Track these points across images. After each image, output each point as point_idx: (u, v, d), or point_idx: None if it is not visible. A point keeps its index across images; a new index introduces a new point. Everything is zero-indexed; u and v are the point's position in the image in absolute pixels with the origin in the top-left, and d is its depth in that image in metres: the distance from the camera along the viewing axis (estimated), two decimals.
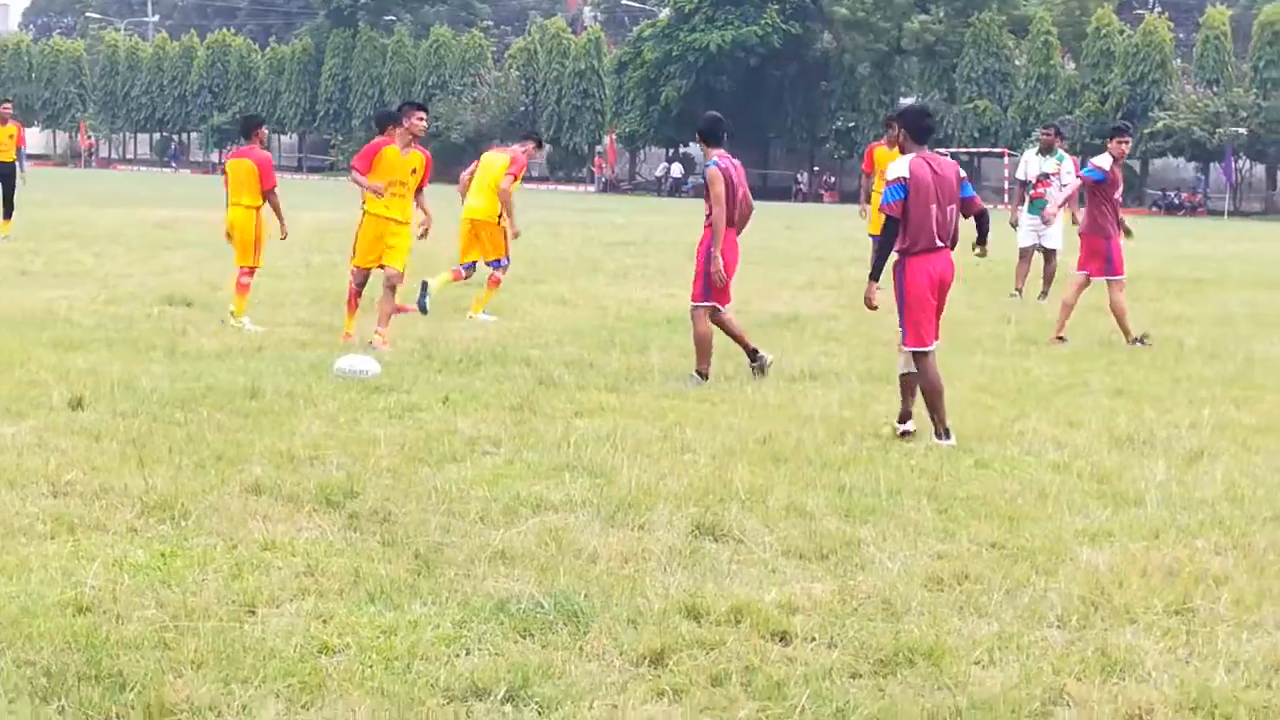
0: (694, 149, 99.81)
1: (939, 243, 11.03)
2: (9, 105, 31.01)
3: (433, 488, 8.81)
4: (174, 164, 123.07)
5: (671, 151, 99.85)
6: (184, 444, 9.81)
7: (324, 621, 6.40)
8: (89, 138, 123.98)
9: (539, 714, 5.51)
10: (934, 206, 10.95)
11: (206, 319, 17.00)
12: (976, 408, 12.44)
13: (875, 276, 11.43)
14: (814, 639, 6.38)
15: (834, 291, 23.08)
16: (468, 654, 6.07)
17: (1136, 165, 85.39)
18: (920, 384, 11.17)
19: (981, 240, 11.81)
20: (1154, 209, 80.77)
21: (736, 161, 14.17)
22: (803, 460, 10.01)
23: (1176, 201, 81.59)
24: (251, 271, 17.61)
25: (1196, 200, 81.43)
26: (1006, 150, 79.11)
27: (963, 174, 11.43)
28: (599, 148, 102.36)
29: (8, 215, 29.17)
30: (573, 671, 5.89)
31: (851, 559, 7.68)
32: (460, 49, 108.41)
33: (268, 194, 18.25)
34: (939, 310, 11.32)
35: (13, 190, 29.26)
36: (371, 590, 6.84)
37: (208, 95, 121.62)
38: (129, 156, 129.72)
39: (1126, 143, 17.84)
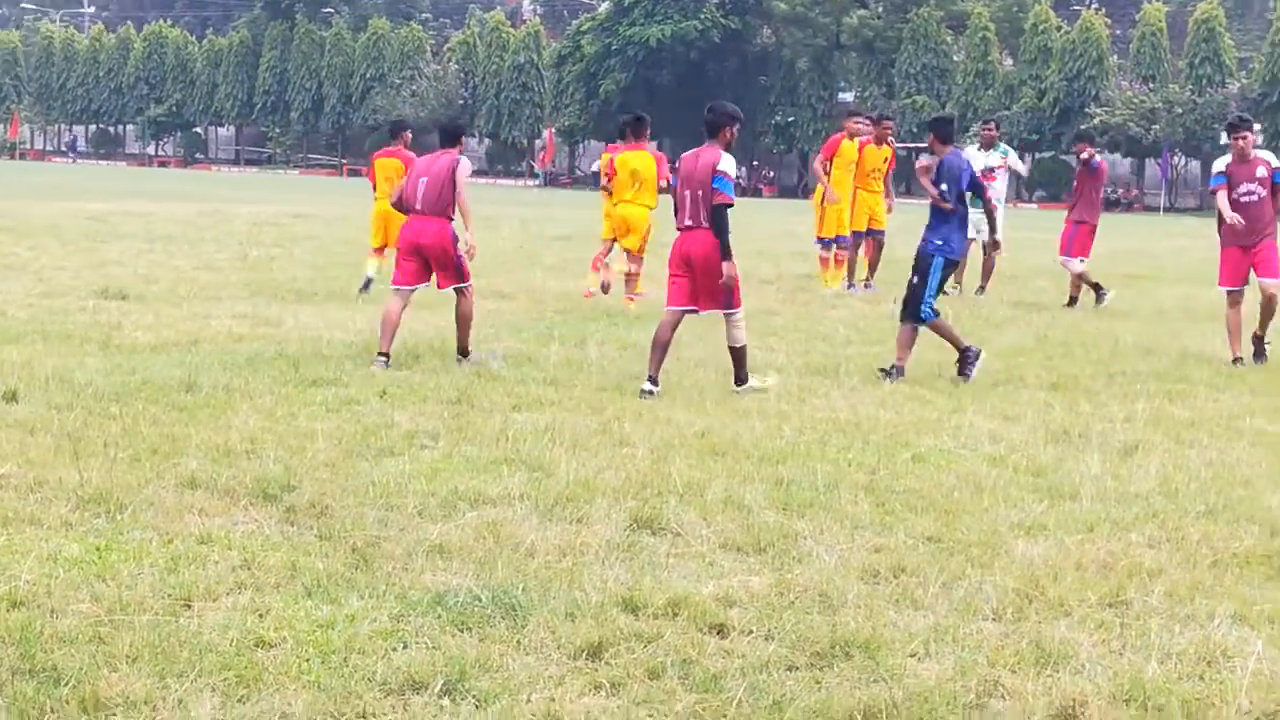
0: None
1: None
2: None
3: (370, 481, 8.78)
4: (73, 155, 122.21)
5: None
6: (119, 437, 9.75)
7: (260, 615, 6.37)
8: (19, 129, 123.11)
9: (476, 707, 5.50)
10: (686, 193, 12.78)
11: (142, 311, 16.89)
12: (914, 401, 12.49)
13: None
14: (751, 631, 6.40)
15: (771, 286, 23.11)
16: (405, 647, 6.05)
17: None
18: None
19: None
20: None
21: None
22: (740, 454, 10.03)
23: (1113, 197, 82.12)
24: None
25: (1132, 196, 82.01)
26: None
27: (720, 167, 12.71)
28: (539, 142, 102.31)
29: None
30: (510, 665, 5.89)
31: (789, 552, 7.70)
32: (399, 42, 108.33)
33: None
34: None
35: None
36: (308, 584, 6.81)
37: (144, 87, 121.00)
38: (62, 148, 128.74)
39: (1245, 137, 15.72)
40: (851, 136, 22.76)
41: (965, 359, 13.97)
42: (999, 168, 22.69)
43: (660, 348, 12.77)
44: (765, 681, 5.79)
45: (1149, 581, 7.29)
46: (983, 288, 22.87)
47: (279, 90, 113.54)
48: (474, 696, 5.57)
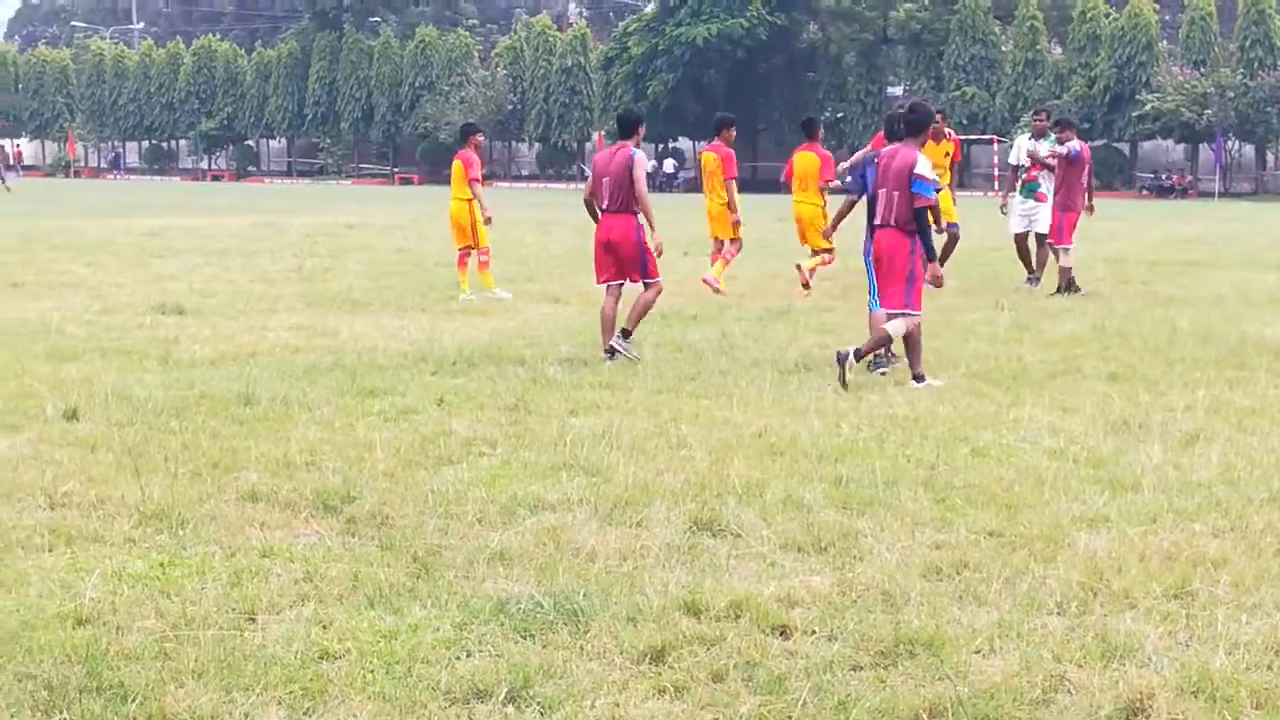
0: (684, 143, 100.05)
1: None
2: None
3: (430, 490, 8.80)
4: (117, 173, 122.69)
5: (661, 147, 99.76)
6: (180, 452, 9.80)
7: (324, 627, 6.40)
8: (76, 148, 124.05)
9: (541, 714, 5.50)
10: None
11: (199, 326, 16.99)
12: (972, 396, 12.44)
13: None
14: (814, 632, 6.39)
15: (827, 283, 23.06)
16: (468, 656, 6.06)
17: (1126, 148, 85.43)
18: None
19: None
20: (1144, 192, 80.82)
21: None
22: (799, 453, 10.01)
23: (1166, 184, 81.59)
24: (482, 252, 21.50)
25: (1186, 182, 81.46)
26: (995, 137, 79.13)
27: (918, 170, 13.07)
28: (588, 145, 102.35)
29: None
30: (574, 671, 5.89)
31: (850, 551, 7.68)
32: (446, 49, 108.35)
33: (471, 184, 21.20)
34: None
35: None
36: (371, 595, 6.83)
37: (195, 102, 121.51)
38: (118, 165, 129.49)
39: None
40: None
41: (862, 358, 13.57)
42: (1049, 157, 22.52)
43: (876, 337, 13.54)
44: (829, 682, 5.78)
45: (1214, 571, 7.24)
46: (1037, 278, 22.74)
47: (329, 101, 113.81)
48: (538, 703, 5.58)
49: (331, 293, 21.22)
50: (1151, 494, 8.89)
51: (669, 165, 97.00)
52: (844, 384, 12.78)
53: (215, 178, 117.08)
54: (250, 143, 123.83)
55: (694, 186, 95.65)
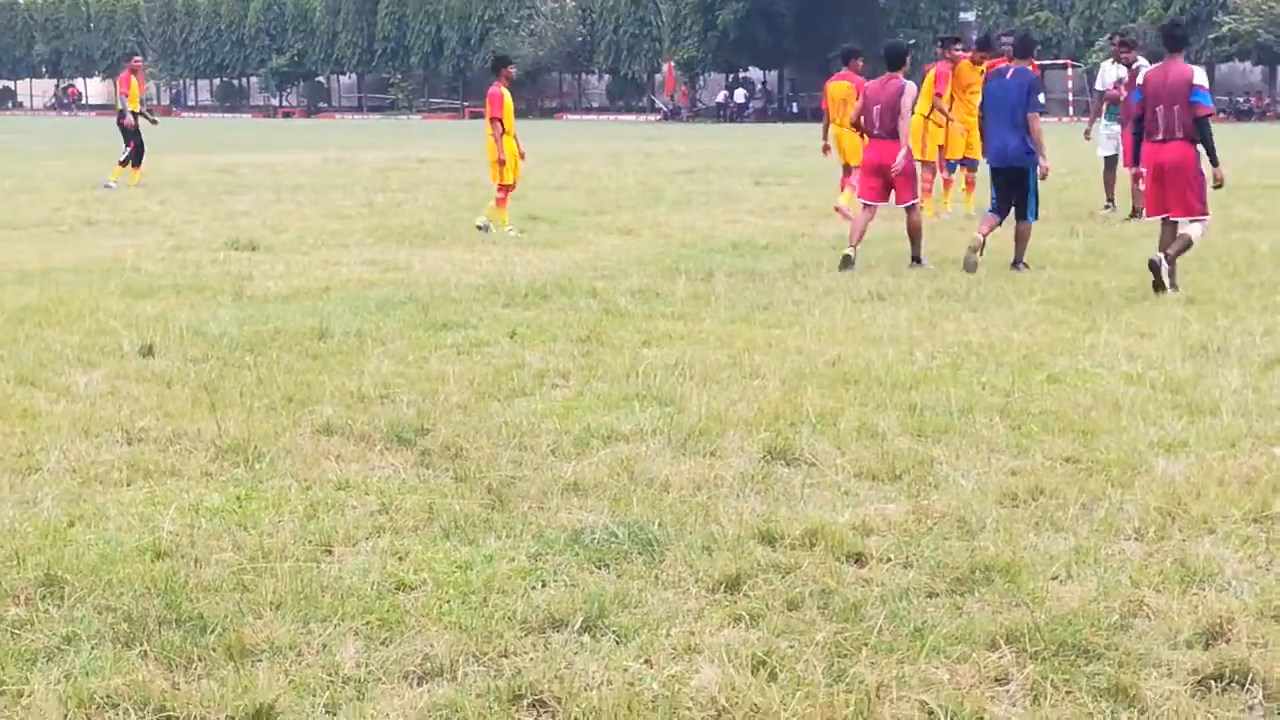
0: (754, 73, 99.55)
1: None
2: (138, 60, 33.43)
3: (503, 422, 8.81)
4: (177, 109, 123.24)
5: (731, 77, 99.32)
6: (254, 387, 9.85)
7: (400, 558, 6.42)
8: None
9: (616, 643, 5.50)
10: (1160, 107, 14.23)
11: (272, 261, 17.06)
12: (1048, 322, 12.36)
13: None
14: (889, 559, 6.36)
15: (900, 210, 22.91)
16: (544, 586, 6.07)
17: (1203, 71, 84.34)
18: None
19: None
20: (1222, 114, 79.78)
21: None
22: (873, 381, 9.96)
23: (1244, 106, 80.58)
24: (501, 189, 21.18)
25: (1265, 104, 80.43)
26: (1070, 61, 78.34)
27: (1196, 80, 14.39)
28: (658, 76, 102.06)
29: (124, 162, 30.47)
30: (649, 600, 5.89)
31: (925, 479, 7.64)
32: None
33: (491, 122, 21.02)
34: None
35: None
36: (446, 526, 6.85)
37: (265, 39, 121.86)
38: (189, 103, 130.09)
39: None
40: (976, 62, 22.40)
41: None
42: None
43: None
44: (905, 609, 5.76)
45: None
46: (1113, 204, 22.55)
47: (398, 36, 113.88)
48: (614, 632, 5.58)
49: (403, 227, 21.25)
50: (1230, 418, 8.81)
51: (739, 95, 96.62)
52: (1163, 287, 13.83)
53: (286, 114, 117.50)
54: (320, 79, 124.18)
55: (763, 116, 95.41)
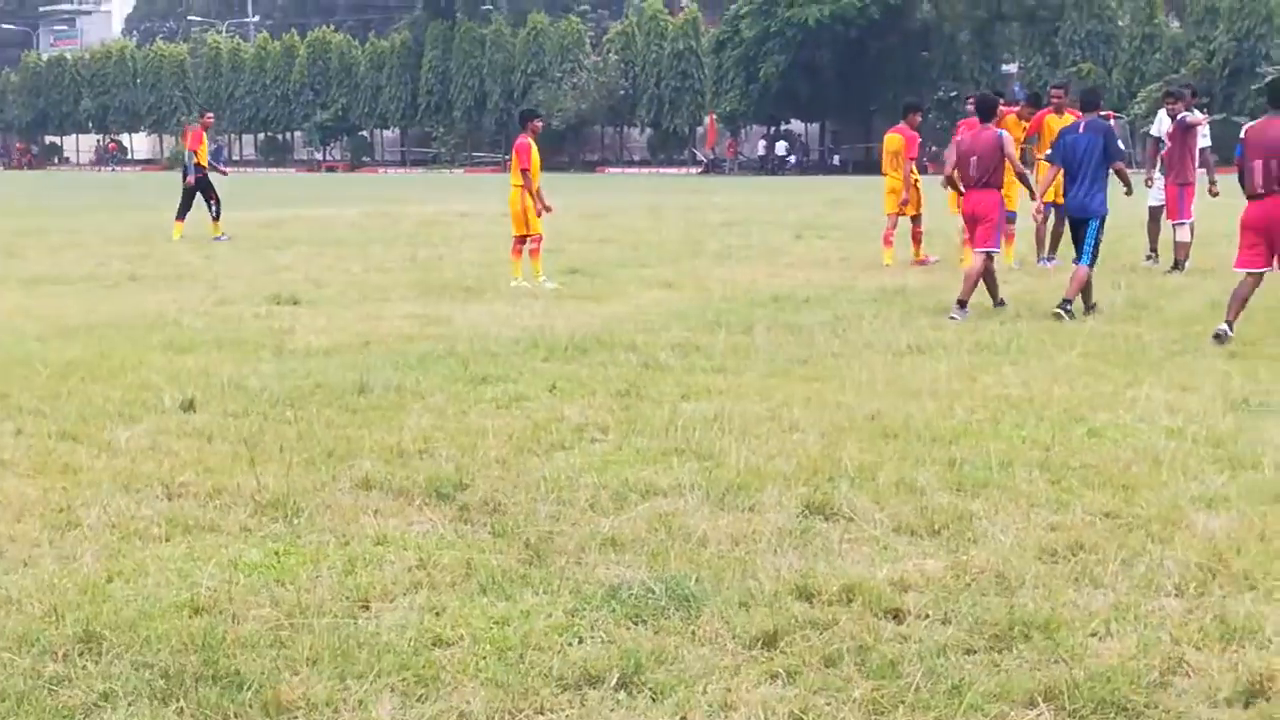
0: (795, 125, 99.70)
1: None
2: (210, 116, 34.43)
3: (542, 477, 8.81)
4: (219, 165, 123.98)
5: (773, 129, 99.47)
6: (294, 442, 9.88)
7: (437, 614, 6.42)
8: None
9: (652, 700, 5.50)
10: (1259, 161, 14.33)
11: (313, 315, 17.13)
12: (1089, 375, 12.32)
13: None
14: (927, 616, 6.34)
15: (943, 263, 22.92)
16: (580, 642, 6.07)
17: (1245, 121, 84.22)
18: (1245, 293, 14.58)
19: None
20: None
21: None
22: (912, 435, 9.94)
23: None
24: (534, 240, 21.11)
25: None
26: (1113, 113, 78.21)
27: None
28: (700, 129, 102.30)
29: (216, 216, 31.23)
30: (685, 656, 5.88)
31: (964, 533, 7.62)
32: (558, 35, 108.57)
33: (522, 174, 21.01)
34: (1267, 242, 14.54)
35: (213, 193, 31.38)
36: (483, 581, 6.85)
37: (310, 93, 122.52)
38: (234, 158, 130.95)
39: None
40: (1022, 117, 22.57)
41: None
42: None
43: (1240, 302, 14.59)
44: (943, 665, 5.74)
45: None
46: (1155, 256, 22.50)
47: (442, 90, 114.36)
48: (650, 689, 5.57)
49: (445, 280, 21.33)
50: (1272, 473, 8.77)
51: (780, 147, 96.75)
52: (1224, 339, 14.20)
53: (330, 169, 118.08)
54: (364, 133, 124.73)
55: (804, 168, 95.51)
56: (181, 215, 30.95)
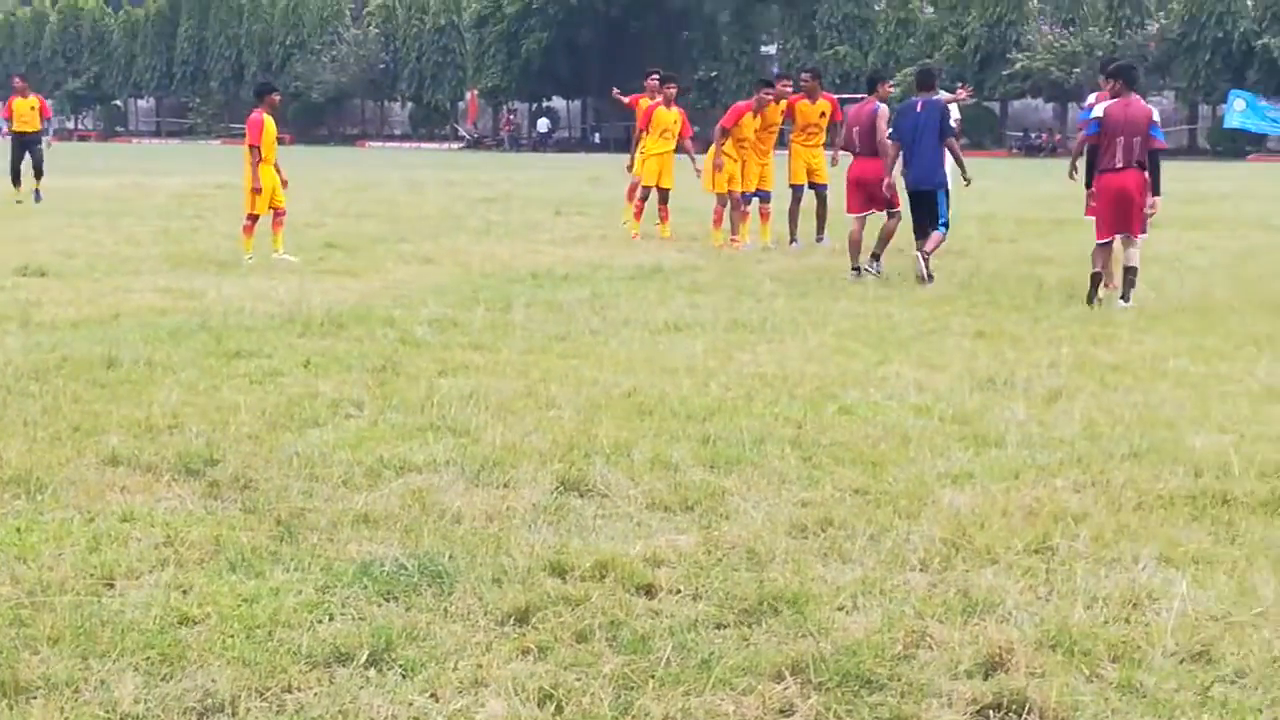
0: (558, 102, 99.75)
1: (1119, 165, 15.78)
2: (21, 79, 34.97)
3: (294, 453, 8.71)
4: None
5: (535, 106, 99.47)
6: (39, 416, 9.63)
7: (184, 592, 6.31)
8: None
9: (403, 676, 5.46)
10: (1120, 139, 15.67)
11: (62, 288, 16.71)
12: (840, 354, 12.51)
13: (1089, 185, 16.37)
14: (679, 591, 6.38)
15: (698, 243, 23.09)
16: (331, 619, 6.00)
17: (996, 107, 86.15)
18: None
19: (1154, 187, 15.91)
20: (1014, 150, 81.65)
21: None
22: (667, 412, 10.01)
23: (1036, 142, 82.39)
24: (276, 214, 20.65)
25: (1056, 141, 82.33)
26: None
27: (1154, 118, 15.95)
28: (461, 104, 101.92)
29: (37, 177, 32.45)
30: (437, 633, 5.85)
31: (717, 509, 7.69)
32: (318, 7, 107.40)
33: (250, 149, 20.35)
34: (1133, 214, 15.89)
35: (39, 159, 32.77)
36: (232, 558, 6.75)
37: (61, 60, 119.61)
38: None
39: None
40: (778, 100, 22.70)
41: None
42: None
43: (1106, 260, 16.28)
44: (693, 640, 5.78)
45: (1074, 526, 7.32)
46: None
47: (198, 60, 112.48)
48: (400, 666, 5.53)
49: (199, 253, 20.97)
50: (1015, 450, 8.98)
51: (543, 124, 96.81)
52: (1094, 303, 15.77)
53: (82, 138, 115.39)
54: (118, 102, 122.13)
55: (565, 146, 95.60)
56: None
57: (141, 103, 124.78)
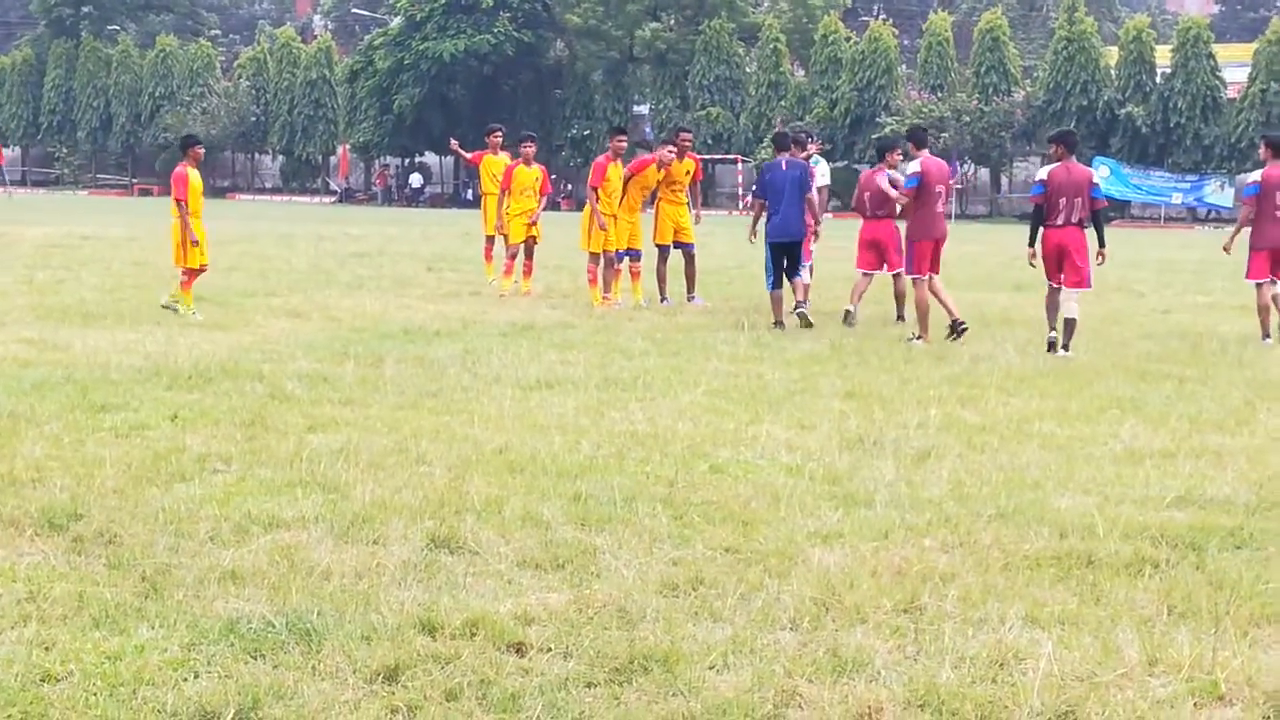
0: (430, 158, 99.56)
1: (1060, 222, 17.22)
2: None
3: (161, 508, 8.61)
4: None
5: (407, 161, 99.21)
6: None
7: (46, 649, 6.22)
8: None
9: None
10: (1063, 199, 17.15)
11: None
12: (712, 413, 12.55)
13: (1031, 244, 17.83)
14: (550, 649, 6.37)
15: (570, 300, 23.11)
16: (196, 677, 5.94)
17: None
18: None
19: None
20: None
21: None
22: (539, 469, 10.00)
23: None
24: (187, 272, 20.36)
25: None
26: (740, 156, 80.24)
27: (1095, 180, 17.62)
28: (333, 158, 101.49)
29: None
30: (305, 691, 5.80)
31: (588, 567, 7.69)
32: (188, 59, 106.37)
33: (176, 204, 20.34)
34: (1066, 267, 17.27)
35: None
36: (96, 615, 6.66)
37: None
38: None
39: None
40: (681, 155, 22.80)
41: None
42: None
43: (1053, 310, 17.51)
44: (564, 699, 5.77)
45: (942, 586, 7.39)
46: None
47: (65, 109, 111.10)
48: None
49: (64, 305, 20.69)
50: (884, 510, 9.05)
51: (415, 180, 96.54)
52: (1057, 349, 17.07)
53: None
54: None
55: (437, 201, 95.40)
56: None
57: (8, 152, 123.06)
